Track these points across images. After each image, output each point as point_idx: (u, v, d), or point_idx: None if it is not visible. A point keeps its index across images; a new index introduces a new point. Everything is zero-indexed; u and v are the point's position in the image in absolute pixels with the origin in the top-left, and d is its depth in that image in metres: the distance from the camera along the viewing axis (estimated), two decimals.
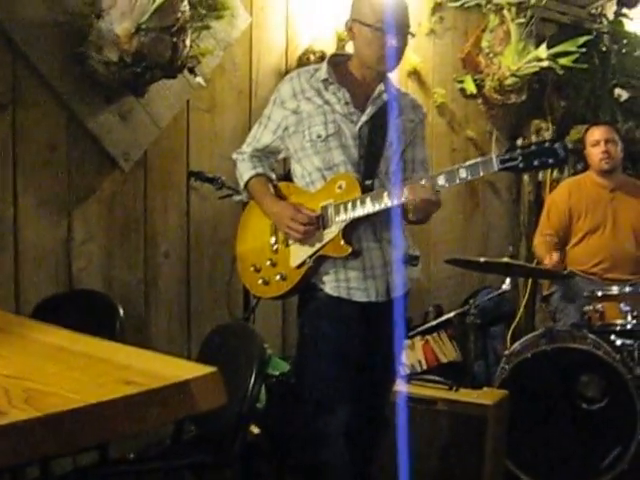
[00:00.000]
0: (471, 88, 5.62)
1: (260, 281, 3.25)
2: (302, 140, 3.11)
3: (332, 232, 3.05)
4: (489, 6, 5.53)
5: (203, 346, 2.95)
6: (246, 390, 2.47)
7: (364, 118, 3.10)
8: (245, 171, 3.28)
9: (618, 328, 4.66)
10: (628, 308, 4.61)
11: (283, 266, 3.17)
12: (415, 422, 3.95)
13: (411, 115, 3.22)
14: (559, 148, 2.73)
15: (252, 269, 3.28)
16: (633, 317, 4.60)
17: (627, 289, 4.69)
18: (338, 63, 3.20)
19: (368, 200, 2.97)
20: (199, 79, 3.96)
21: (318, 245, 3.08)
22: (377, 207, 2.96)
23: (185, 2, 3.62)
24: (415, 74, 5.36)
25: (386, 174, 3.11)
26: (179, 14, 3.58)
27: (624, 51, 6.68)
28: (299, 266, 3.13)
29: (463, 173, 2.85)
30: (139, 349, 2.32)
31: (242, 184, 3.30)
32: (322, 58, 4.43)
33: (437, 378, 4.19)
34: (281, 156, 3.30)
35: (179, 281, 4.19)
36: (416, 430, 3.94)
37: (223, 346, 2.80)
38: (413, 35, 3.13)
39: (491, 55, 5.59)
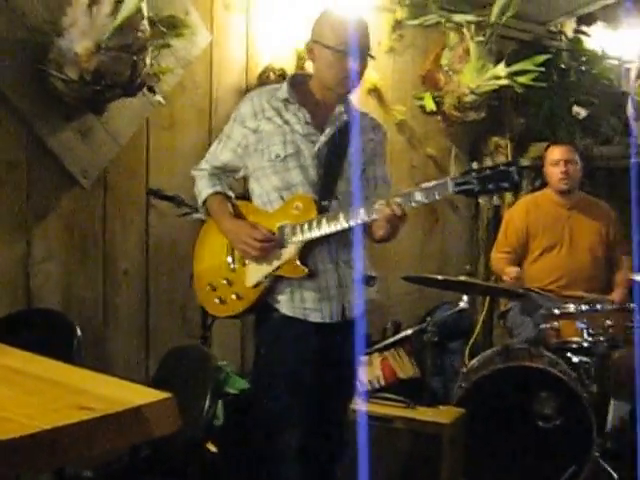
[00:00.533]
0: (430, 105, 5.65)
1: (216, 300, 3.25)
2: (261, 159, 3.12)
3: (288, 253, 3.06)
4: (449, 24, 5.57)
5: (159, 368, 2.96)
6: (201, 413, 2.48)
7: (323, 139, 3.10)
8: (203, 189, 3.27)
9: (574, 346, 4.71)
10: (584, 326, 4.65)
11: (239, 285, 3.18)
12: (372, 440, 3.96)
13: (371, 135, 3.24)
14: (513, 172, 2.73)
15: (208, 288, 3.28)
16: (589, 335, 4.64)
17: (583, 307, 4.74)
18: (299, 83, 3.21)
19: (324, 221, 2.98)
20: (158, 97, 3.96)
21: (274, 265, 3.09)
22: (333, 228, 2.97)
23: (145, 21, 3.64)
24: (375, 91, 5.39)
25: (345, 194, 3.12)
26: (139, 33, 3.60)
27: (583, 68, 6.77)
28: (255, 285, 3.13)
29: (418, 196, 2.85)
30: (95, 373, 2.31)
31: (200, 201, 3.29)
32: (282, 76, 4.46)
33: (394, 396, 4.21)
34: (240, 174, 3.29)
35: (138, 299, 4.19)
36: (373, 448, 3.95)
37: (179, 368, 2.81)
38: (373, 57, 3.15)
39: (450, 73, 5.63)
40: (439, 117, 5.79)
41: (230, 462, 3.90)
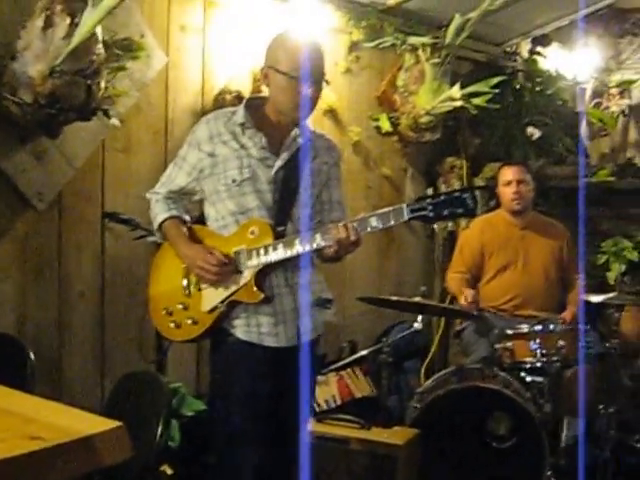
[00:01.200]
0: (386, 126, 5.70)
1: (171, 324, 3.25)
2: (217, 183, 3.12)
3: (244, 278, 3.07)
4: (404, 46, 5.63)
5: (112, 395, 2.96)
6: (153, 439, 2.49)
7: (279, 163, 3.11)
8: (159, 213, 3.28)
9: (528, 365, 4.76)
10: (537, 346, 4.70)
11: (195, 310, 3.18)
12: (327, 461, 4.00)
13: (326, 157, 3.24)
14: (468, 198, 2.74)
15: (164, 312, 3.27)
16: (542, 355, 4.69)
17: (537, 327, 4.79)
18: (255, 106, 3.20)
19: (280, 246, 2.99)
20: (114, 120, 3.96)
21: (230, 290, 3.10)
22: (289, 253, 2.98)
23: (100, 44, 3.64)
24: (331, 112, 5.42)
25: (301, 218, 3.12)
26: (94, 56, 3.61)
27: (537, 89, 6.86)
28: (211, 310, 3.14)
29: (374, 222, 2.87)
30: (46, 400, 2.30)
31: (156, 225, 3.30)
32: (238, 98, 4.48)
33: (350, 417, 4.23)
34: (196, 198, 3.29)
35: (94, 321, 4.17)
36: (329, 469, 3.99)
37: (131, 395, 2.81)
38: (328, 82, 3.16)
39: (406, 94, 5.68)
40: (395, 138, 5.85)
41: None
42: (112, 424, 1.98)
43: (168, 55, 4.42)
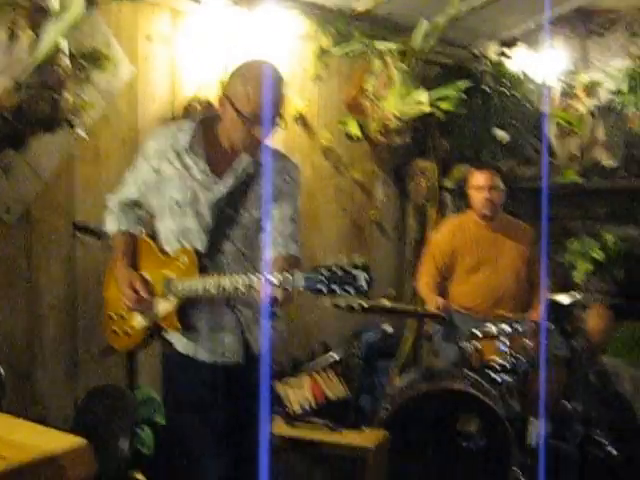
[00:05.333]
0: (355, 131, 5.75)
1: (112, 331, 3.30)
2: (161, 201, 3.13)
3: (169, 305, 3.08)
4: (372, 52, 5.68)
5: (79, 409, 3.00)
6: (120, 453, 2.53)
7: (222, 189, 3.09)
8: (108, 224, 3.32)
9: (497, 366, 4.83)
10: (505, 347, 4.78)
11: (129, 323, 3.23)
12: (297, 465, 4.06)
13: (277, 180, 3.19)
14: (362, 279, 2.68)
15: (108, 317, 3.33)
16: (511, 356, 4.77)
17: (505, 329, 4.86)
18: (209, 123, 3.17)
19: (202, 283, 2.98)
20: (81, 132, 3.99)
21: (155, 315, 3.13)
22: (214, 292, 2.95)
23: (65, 57, 3.67)
24: (301, 118, 5.46)
25: (243, 238, 3.14)
26: (59, 69, 3.63)
27: (505, 91, 6.92)
28: (141, 328, 3.19)
29: (275, 280, 2.77)
30: (10, 417, 2.32)
31: (108, 234, 3.35)
32: (207, 107, 4.51)
33: (320, 420, 4.29)
34: (147, 208, 3.28)
35: (65, 333, 4.19)
36: (298, 473, 4.05)
37: (98, 409, 2.85)
38: (284, 126, 3.13)
39: (375, 99, 5.73)
40: (364, 142, 5.90)
41: None
42: (77, 441, 2.01)
43: (136, 65, 4.44)
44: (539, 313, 5.23)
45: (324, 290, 2.68)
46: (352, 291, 2.67)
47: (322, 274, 2.68)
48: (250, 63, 3.09)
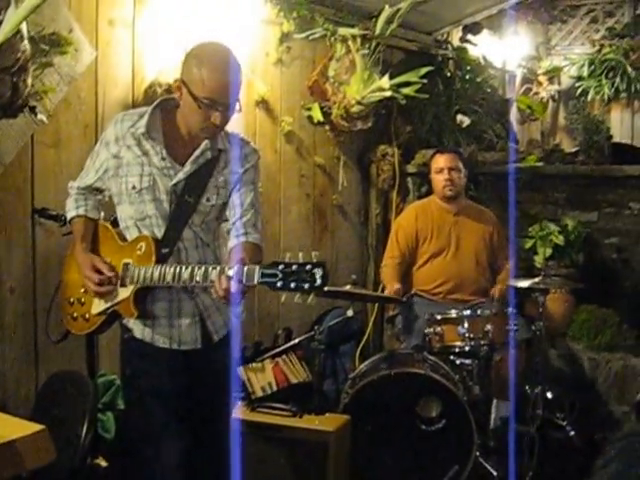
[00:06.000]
0: (318, 116, 5.75)
1: (69, 315, 3.31)
2: (120, 186, 3.12)
3: (126, 291, 3.09)
4: (335, 37, 5.68)
5: (39, 395, 3.00)
6: (78, 440, 2.54)
7: (181, 175, 3.08)
8: (69, 210, 3.33)
9: (457, 350, 4.89)
10: (465, 330, 4.83)
11: (87, 308, 3.24)
12: (260, 450, 4.08)
13: (237, 166, 3.17)
14: (318, 275, 2.67)
15: (66, 302, 3.35)
16: (470, 339, 4.83)
17: (465, 312, 4.92)
18: (168, 109, 3.15)
19: (164, 272, 2.97)
20: (41, 117, 3.97)
21: (112, 301, 3.13)
22: (170, 282, 2.96)
23: (25, 41, 3.63)
24: (263, 103, 5.46)
25: (202, 224, 3.15)
26: (19, 54, 3.59)
27: (467, 77, 6.97)
28: (98, 314, 3.20)
29: (230, 274, 2.78)
30: None
31: (68, 220, 3.36)
32: (168, 90, 4.49)
33: (281, 405, 4.31)
34: (107, 194, 3.30)
35: (25, 317, 4.17)
36: (260, 457, 4.07)
37: (57, 395, 2.85)
38: (240, 110, 3.04)
39: (337, 84, 5.73)
40: (327, 127, 5.90)
41: (121, 475, 3.94)
42: (35, 428, 2.02)
43: (97, 49, 4.41)
44: (500, 290, 5.31)
45: (279, 285, 2.67)
46: (308, 287, 2.65)
47: (279, 269, 2.68)
48: (205, 45, 3.05)
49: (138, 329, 3.16)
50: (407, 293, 5.42)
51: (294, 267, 2.67)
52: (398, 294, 5.17)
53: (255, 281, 2.72)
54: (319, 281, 2.65)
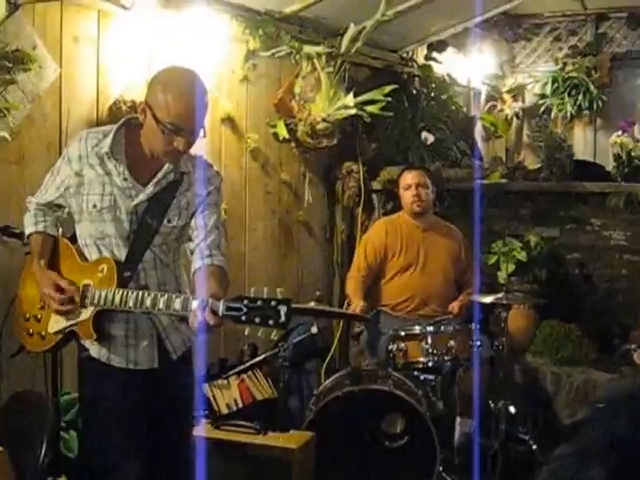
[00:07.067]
0: (284, 133, 5.77)
1: (26, 331, 3.29)
2: (81, 204, 3.11)
3: (86, 313, 3.08)
4: (300, 54, 5.71)
5: None
6: (36, 461, 2.53)
7: (142, 197, 3.07)
8: (27, 226, 3.31)
9: (420, 366, 4.93)
10: (429, 346, 4.87)
11: (44, 326, 3.22)
12: (222, 468, 4.08)
13: (200, 189, 3.17)
14: (282, 312, 2.68)
15: (22, 318, 3.32)
16: (434, 355, 4.87)
17: (429, 328, 4.96)
18: (132, 128, 3.13)
19: (121, 295, 2.98)
20: (4, 134, 3.96)
21: (71, 322, 3.12)
22: (132, 309, 2.97)
23: None
24: (229, 120, 5.47)
25: (162, 245, 3.14)
26: None
27: (432, 94, 7.03)
28: (55, 333, 3.18)
29: (194, 305, 2.81)
30: None
31: (25, 237, 3.35)
32: (133, 108, 4.49)
33: (246, 423, 4.32)
34: (67, 211, 3.28)
35: None
36: (224, 475, 4.07)
37: (17, 416, 2.84)
38: (204, 135, 3.05)
39: (303, 101, 5.76)
40: (293, 144, 5.92)
41: None
42: None
43: (61, 66, 4.40)
44: (459, 305, 5.38)
45: (244, 319, 2.70)
46: (272, 323, 2.68)
47: (244, 304, 2.70)
48: (171, 69, 3.07)
49: (94, 349, 3.15)
50: (373, 308, 5.44)
51: (259, 302, 2.69)
52: (363, 312, 5.19)
53: (220, 314, 2.74)
54: (283, 318, 2.67)
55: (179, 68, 3.08)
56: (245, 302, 2.70)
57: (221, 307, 2.74)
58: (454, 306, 5.39)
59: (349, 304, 5.45)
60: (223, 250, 3.22)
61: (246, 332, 2.80)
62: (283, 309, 2.67)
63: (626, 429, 1.03)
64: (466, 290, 5.58)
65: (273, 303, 2.68)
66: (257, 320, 2.68)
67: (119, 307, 2.99)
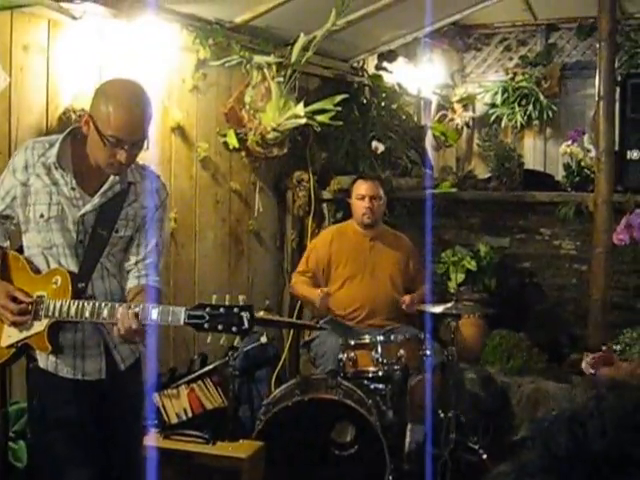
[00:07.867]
0: (234, 142, 5.77)
1: None
2: (28, 214, 3.09)
3: (40, 325, 3.06)
4: (251, 64, 5.72)
5: None
6: None
7: (89, 207, 3.08)
8: None
9: (370, 375, 4.95)
10: (379, 356, 4.90)
11: None
12: (172, 477, 4.07)
13: (146, 201, 3.19)
14: (245, 318, 2.73)
15: None
16: (384, 364, 4.90)
17: (379, 338, 4.98)
18: (79, 138, 3.12)
19: (76, 306, 2.98)
20: None
21: (25, 334, 3.10)
22: (86, 319, 2.98)
23: None
24: (179, 129, 5.45)
25: (109, 255, 3.15)
26: None
27: (383, 104, 7.07)
28: (8, 347, 3.16)
29: (154, 314, 2.86)
30: None
31: None
32: (83, 117, 4.47)
33: (195, 432, 4.31)
34: (15, 222, 3.23)
35: None
36: None
37: None
38: (147, 148, 3.10)
39: (253, 111, 5.77)
40: (243, 153, 5.93)
41: None
42: None
43: (11, 75, 4.37)
44: (411, 297, 5.40)
45: (206, 327, 2.75)
46: (235, 330, 2.73)
47: (205, 311, 2.74)
48: (114, 81, 3.09)
49: (42, 359, 3.14)
50: (322, 317, 5.46)
51: (221, 310, 2.74)
52: (330, 295, 5.21)
53: (181, 322, 2.78)
54: (246, 324, 2.72)
55: (123, 80, 3.09)
56: (207, 310, 2.74)
57: (182, 315, 2.77)
58: (405, 298, 5.41)
59: (302, 307, 5.46)
60: (160, 271, 3.24)
61: (208, 340, 2.84)
62: (246, 315, 2.72)
63: (565, 450, 1.05)
64: (418, 289, 5.60)
65: (236, 310, 2.73)
66: (220, 327, 2.73)
67: (74, 318, 2.99)
